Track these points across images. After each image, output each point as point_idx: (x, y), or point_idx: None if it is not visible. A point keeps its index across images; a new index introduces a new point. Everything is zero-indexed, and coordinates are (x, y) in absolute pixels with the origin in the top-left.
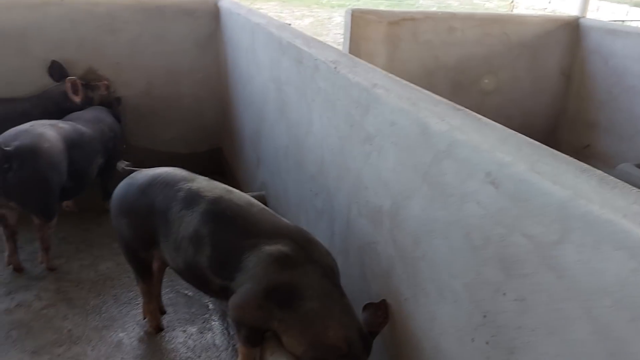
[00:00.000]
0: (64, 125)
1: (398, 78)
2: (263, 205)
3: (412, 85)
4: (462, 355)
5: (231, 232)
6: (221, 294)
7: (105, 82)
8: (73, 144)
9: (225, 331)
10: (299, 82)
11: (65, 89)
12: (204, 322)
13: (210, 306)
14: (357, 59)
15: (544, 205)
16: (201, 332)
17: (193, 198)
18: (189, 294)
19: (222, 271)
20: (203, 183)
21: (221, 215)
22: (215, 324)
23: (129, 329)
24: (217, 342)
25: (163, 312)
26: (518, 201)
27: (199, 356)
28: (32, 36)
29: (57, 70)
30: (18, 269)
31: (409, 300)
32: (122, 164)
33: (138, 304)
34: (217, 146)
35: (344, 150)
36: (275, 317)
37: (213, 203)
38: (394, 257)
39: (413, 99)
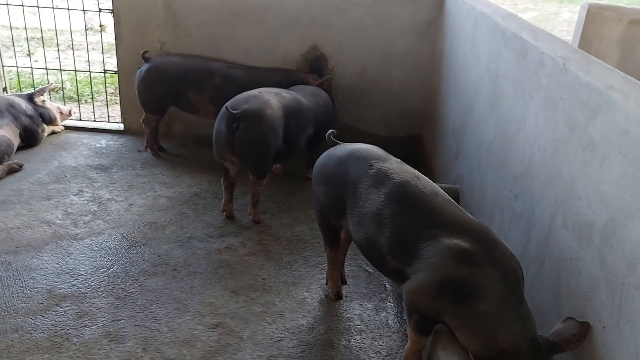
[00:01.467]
0: (286, 94)
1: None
2: (448, 197)
3: None
4: None
5: (412, 218)
6: (396, 276)
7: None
8: (291, 113)
9: (399, 314)
10: (518, 76)
11: (309, 80)
12: (380, 300)
13: (388, 287)
14: (591, 57)
15: None
16: (376, 310)
17: (381, 177)
18: (370, 270)
19: (398, 254)
20: (394, 165)
21: (405, 199)
22: (391, 304)
23: (312, 290)
24: (390, 322)
25: (344, 282)
26: None
27: (372, 331)
28: (272, 11)
29: (317, 64)
30: (230, 217)
31: (610, 329)
32: (332, 133)
33: (324, 269)
34: (416, 133)
35: (558, 154)
36: (447, 311)
37: (399, 186)
38: (599, 279)
39: None
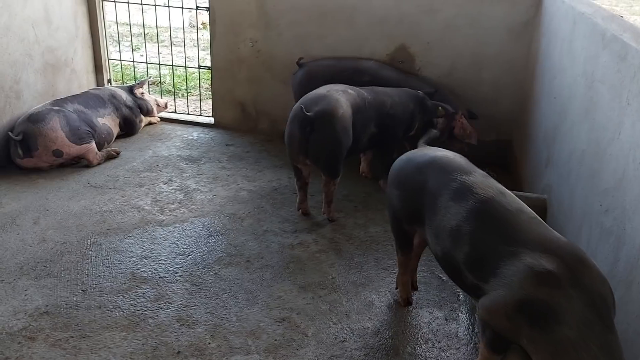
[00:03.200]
0: (351, 91)
1: None
2: (534, 215)
3: None
4: None
5: (493, 235)
6: (472, 291)
7: (472, 134)
8: (357, 109)
9: (470, 326)
10: (616, 81)
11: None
12: (451, 310)
13: (461, 297)
14: None
15: None
16: (446, 320)
17: (464, 192)
18: (443, 278)
19: (476, 271)
20: (478, 179)
21: (487, 217)
22: (463, 315)
23: (381, 293)
24: (460, 334)
25: (415, 288)
26: None
27: (439, 342)
28: (361, 10)
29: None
30: (305, 214)
31: None
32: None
33: (394, 272)
34: (506, 138)
35: None
36: (523, 333)
37: (482, 202)
38: None
39: None
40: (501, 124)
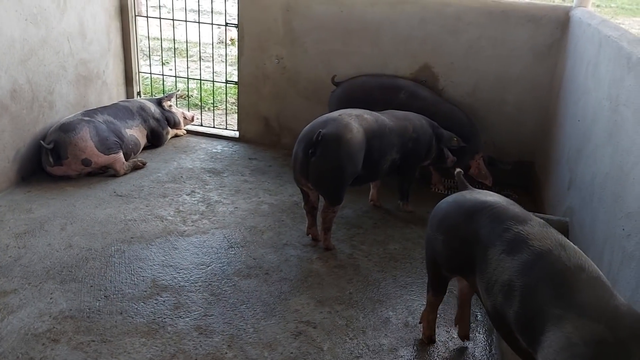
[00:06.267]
0: (368, 116)
1: None
2: (598, 274)
3: None
4: None
5: (544, 294)
6: (527, 358)
7: (488, 175)
8: (373, 135)
9: (487, 347)
10: None
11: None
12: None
13: (479, 317)
14: None
15: None
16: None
17: (519, 243)
18: None
19: (526, 334)
20: (535, 229)
21: (541, 272)
22: (480, 336)
23: (398, 310)
24: (477, 354)
25: (466, 338)
26: None
27: None
28: (385, 30)
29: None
30: (315, 239)
31: None
32: (460, 172)
33: (413, 290)
34: (528, 159)
35: None
36: None
37: (538, 256)
38: None
39: None
40: (524, 146)
